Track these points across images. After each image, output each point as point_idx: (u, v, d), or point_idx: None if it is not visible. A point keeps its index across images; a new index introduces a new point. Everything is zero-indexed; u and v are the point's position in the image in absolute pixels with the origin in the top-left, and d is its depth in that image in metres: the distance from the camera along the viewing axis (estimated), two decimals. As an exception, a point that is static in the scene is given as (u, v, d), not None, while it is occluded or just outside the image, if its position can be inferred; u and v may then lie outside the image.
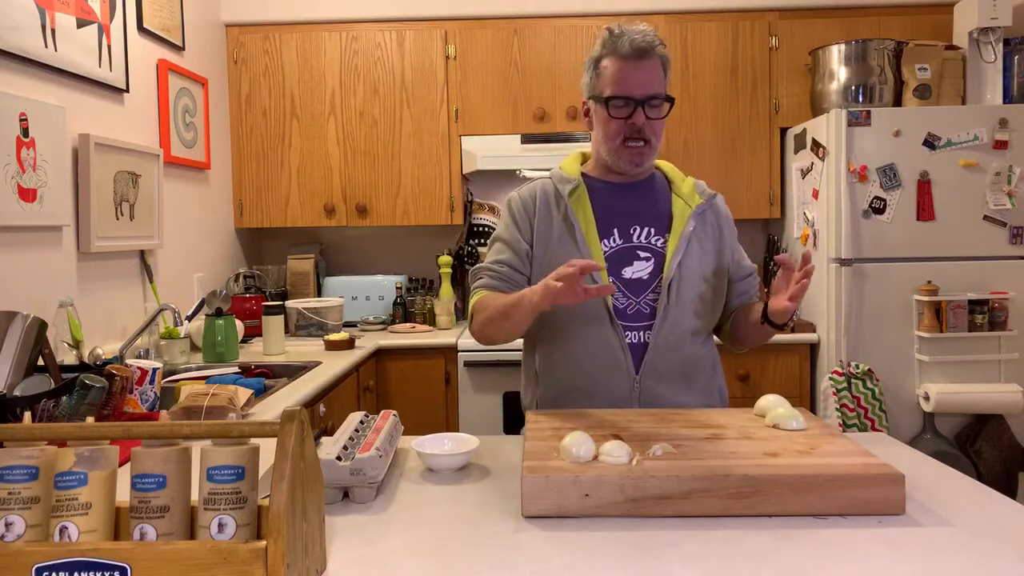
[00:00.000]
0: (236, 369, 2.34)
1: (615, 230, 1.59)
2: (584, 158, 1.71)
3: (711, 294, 1.61)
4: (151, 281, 2.65)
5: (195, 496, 0.88)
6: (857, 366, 2.75)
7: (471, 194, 3.58)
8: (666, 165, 1.72)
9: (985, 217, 2.79)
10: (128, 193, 2.47)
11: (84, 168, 2.25)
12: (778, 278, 1.49)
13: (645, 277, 1.57)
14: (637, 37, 1.53)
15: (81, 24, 2.26)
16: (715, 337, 1.72)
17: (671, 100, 1.58)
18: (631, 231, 1.60)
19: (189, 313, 2.66)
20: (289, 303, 3.16)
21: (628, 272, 1.57)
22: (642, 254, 1.58)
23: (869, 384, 2.73)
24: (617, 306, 1.55)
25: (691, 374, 1.59)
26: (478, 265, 1.67)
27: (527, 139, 3.28)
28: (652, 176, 1.68)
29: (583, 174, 1.66)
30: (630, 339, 1.55)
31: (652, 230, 1.60)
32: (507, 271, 1.61)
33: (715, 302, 1.63)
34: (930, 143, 2.79)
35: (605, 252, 1.58)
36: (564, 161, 1.70)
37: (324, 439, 1.29)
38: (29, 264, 2.06)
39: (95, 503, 0.86)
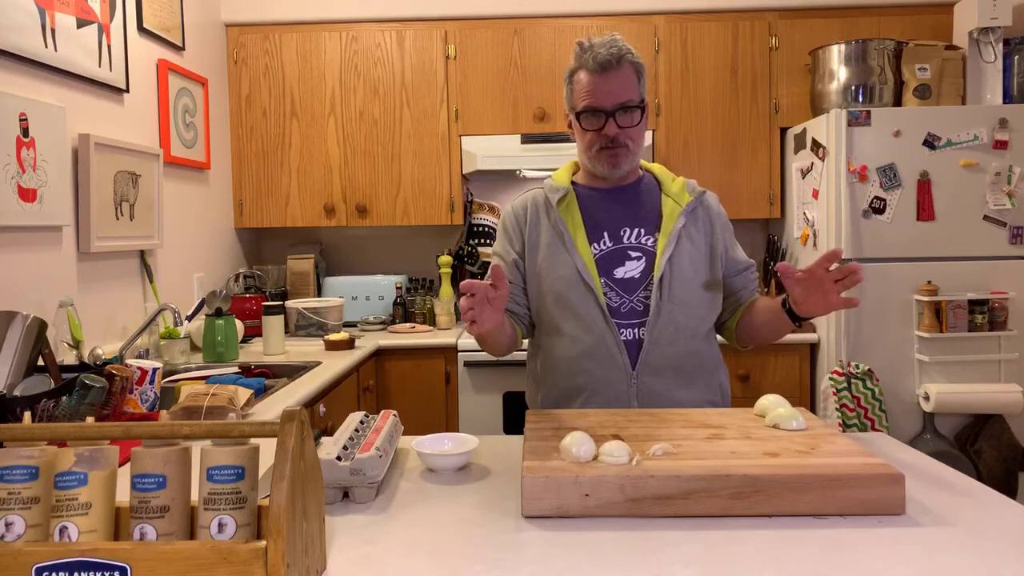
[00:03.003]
0: (236, 369, 2.34)
1: (604, 233, 1.63)
2: (576, 167, 1.75)
3: (706, 290, 1.63)
4: (151, 281, 2.65)
5: (195, 496, 0.88)
6: (857, 366, 2.75)
7: (471, 194, 3.58)
8: (656, 167, 1.75)
9: (985, 217, 2.79)
10: (128, 193, 2.47)
11: (84, 168, 2.25)
12: (805, 283, 1.44)
13: (637, 276, 1.60)
14: (602, 51, 1.55)
15: (81, 24, 2.26)
16: (718, 336, 1.72)
17: (643, 107, 1.59)
18: (621, 233, 1.63)
19: (189, 313, 2.66)
20: (289, 303, 3.16)
21: (620, 272, 1.60)
22: (633, 254, 1.61)
23: (869, 384, 2.73)
24: (611, 304, 1.58)
25: (689, 370, 1.60)
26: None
27: (527, 139, 3.28)
28: (641, 179, 1.71)
29: (573, 183, 1.70)
30: (625, 336, 1.58)
31: (642, 230, 1.63)
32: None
33: (711, 298, 1.64)
34: (930, 143, 2.79)
35: (595, 255, 1.61)
36: (556, 172, 1.74)
37: (324, 439, 1.29)
38: (29, 264, 2.06)
39: (95, 503, 0.86)
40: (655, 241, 1.62)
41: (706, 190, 1.71)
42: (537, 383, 1.69)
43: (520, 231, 1.68)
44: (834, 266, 1.41)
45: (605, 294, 1.58)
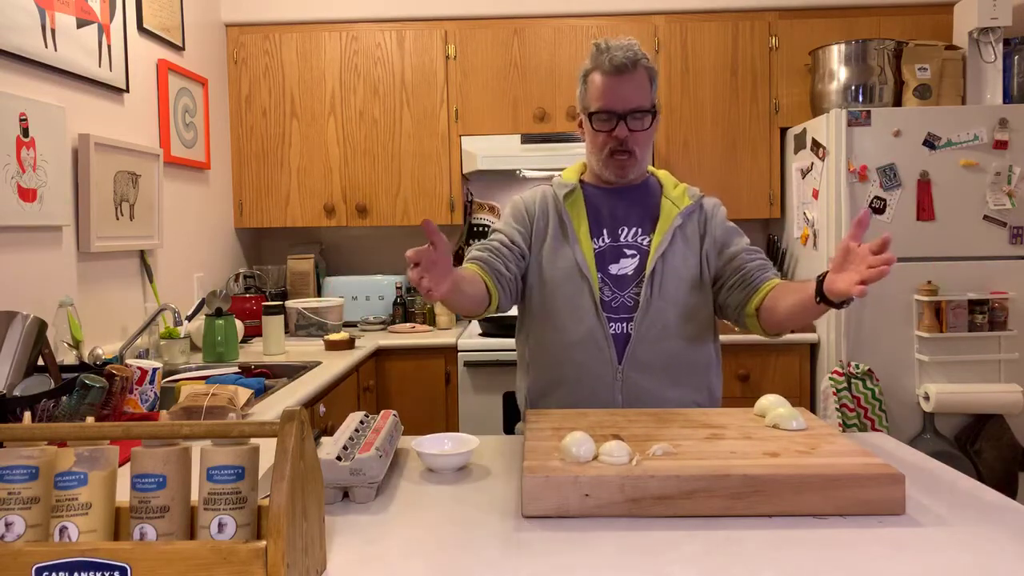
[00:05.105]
0: (236, 369, 2.34)
1: (604, 230, 1.67)
2: (584, 167, 1.79)
3: (699, 291, 1.64)
4: (151, 281, 2.65)
5: (195, 496, 0.88)
6: (857, 366, 2.75)
7: (471, 194, 3.58)
8: (661, 172, 1.78)
9: (985, 217, 2.79)
10: (128, 193, 2.47)
11: (84, 168, 2.25)
12: (839, 255, 1.36)
13: (630, 272, 1.63)
14: (619, 54, 1.58)
15: (81, 24, 2.26)
16: (748, 327, 1.62)
17: (655, 113, 1.63)
18: (619, 231, 1.67)
19: (189, 313, 2.66)
20: (289, 303, 3.16)
21: (614, 268, 1.64)
22: (628, 252, 1.65)
23: (869, 384, 2.73)
24: (603, 299, 1.61)
25: (676, 368, 1.61)
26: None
27: (527, 139, 3.28)
28: (645, 182, 1.74)
29: (581, 181, 1.74)
30: (614, 330, 1.60)
31: (639, 230, 1.67)
32: (497, 245, 1.66)
33: (704, 298, 1.65)
34: (930, 143, 2.78)
35: (595, 250, 1.65)
36: (565, 170, 1.79)
37: (324, 439, 1.29)
38: (29, 264, 2.06)
39: (95, 503, 0.86)
40: (651, 241, 1.65)
41: (705, 195, 1.73)
42: (525, 371, 1.71)
43: (529, 219, 1.71)
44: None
45: (600, 288, 1.61)
